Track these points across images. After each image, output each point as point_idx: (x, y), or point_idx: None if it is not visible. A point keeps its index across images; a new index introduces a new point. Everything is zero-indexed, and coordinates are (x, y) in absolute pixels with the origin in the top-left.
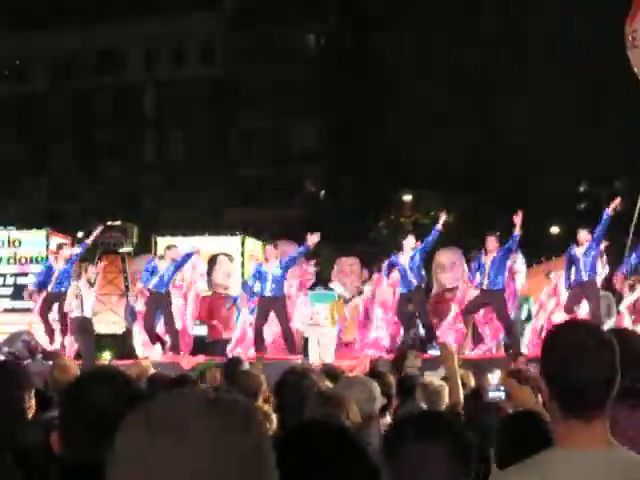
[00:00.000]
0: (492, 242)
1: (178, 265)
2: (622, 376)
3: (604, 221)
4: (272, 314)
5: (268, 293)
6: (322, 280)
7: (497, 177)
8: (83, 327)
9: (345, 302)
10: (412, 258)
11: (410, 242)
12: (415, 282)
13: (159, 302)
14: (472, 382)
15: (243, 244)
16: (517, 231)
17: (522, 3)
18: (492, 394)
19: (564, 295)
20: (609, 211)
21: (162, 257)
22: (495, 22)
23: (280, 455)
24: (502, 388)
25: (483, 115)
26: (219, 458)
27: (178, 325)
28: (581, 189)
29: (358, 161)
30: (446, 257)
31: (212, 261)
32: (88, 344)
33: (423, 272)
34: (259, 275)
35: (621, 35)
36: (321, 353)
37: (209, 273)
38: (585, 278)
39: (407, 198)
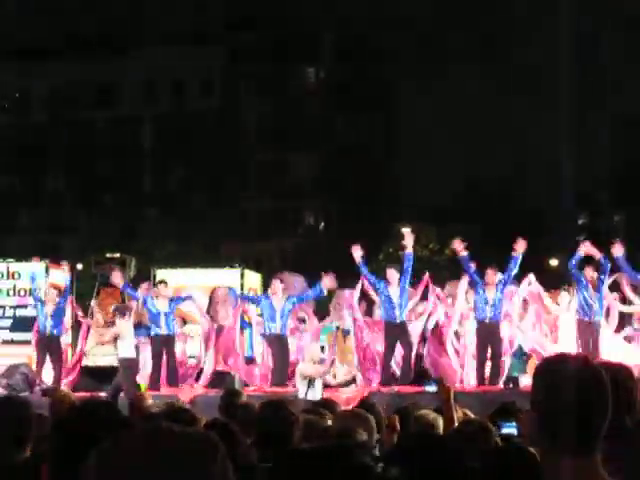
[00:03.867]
0: (490, 275)
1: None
2: None
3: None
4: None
5: (277, 330)
6: (321, 312)
7: (496, 210)
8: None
9: (344, 334)
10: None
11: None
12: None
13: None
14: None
15: (242, 276)
16: (516, 254)
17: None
18: (504, 430)
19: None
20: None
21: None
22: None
23: None
24: (514, 424)
25: (483, 148)
26: None
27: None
28: (580, 222)
29: (357, 193)
30: (454, 288)
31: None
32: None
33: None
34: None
35: None
36: (309, 392)
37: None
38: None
39: (406, 230)
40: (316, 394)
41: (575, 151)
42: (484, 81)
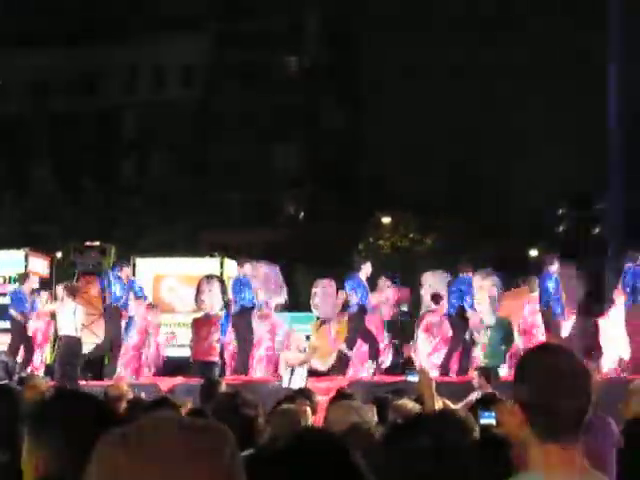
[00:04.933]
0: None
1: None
2: None
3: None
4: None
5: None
6: (300, 302)
7: (475, 201)
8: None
9: (322, 324)
10: None
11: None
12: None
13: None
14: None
15: (222, 265)
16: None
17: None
18: (483, 420)
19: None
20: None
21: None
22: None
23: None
24: (493, 414)
25: (464, 142)
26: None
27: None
28: (560, 211)
29: (338, 184)
30: (433, 279)
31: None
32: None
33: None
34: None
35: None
36: (292, 379)
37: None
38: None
39: (386, 220)
40: (300, 382)
41: (561, 144)
42: (478, 76)
